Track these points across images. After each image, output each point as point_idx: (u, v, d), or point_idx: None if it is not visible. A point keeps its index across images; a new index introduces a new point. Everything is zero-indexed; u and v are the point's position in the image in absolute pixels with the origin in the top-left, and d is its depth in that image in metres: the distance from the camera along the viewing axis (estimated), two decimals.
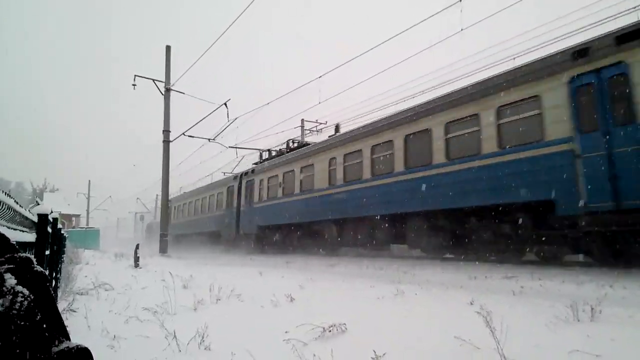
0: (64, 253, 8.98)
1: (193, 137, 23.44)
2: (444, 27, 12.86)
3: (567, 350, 3.01)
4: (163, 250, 21.13)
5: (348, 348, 3.53)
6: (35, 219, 3.49)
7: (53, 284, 4.96)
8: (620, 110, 7.70)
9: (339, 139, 15.43)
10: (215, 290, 6.22)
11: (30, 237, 3.25)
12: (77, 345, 0.88)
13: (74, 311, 5.21)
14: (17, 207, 2.42)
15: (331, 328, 3.93)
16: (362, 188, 13.63)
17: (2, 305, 0.70)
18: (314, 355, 3.30)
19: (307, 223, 16.78)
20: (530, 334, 3.48)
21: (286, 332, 4.02)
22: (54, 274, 4.61)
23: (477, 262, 9.92)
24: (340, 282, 7.70)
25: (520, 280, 6.81)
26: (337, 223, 15.31)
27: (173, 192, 31.12)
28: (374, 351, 3.14)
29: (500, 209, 9.58)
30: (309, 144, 19.03)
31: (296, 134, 28.81)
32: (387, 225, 12.80)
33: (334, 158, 15.20)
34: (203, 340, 3.82)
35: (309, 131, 28.78)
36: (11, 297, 0.71)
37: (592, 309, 3.86)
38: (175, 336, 3.83)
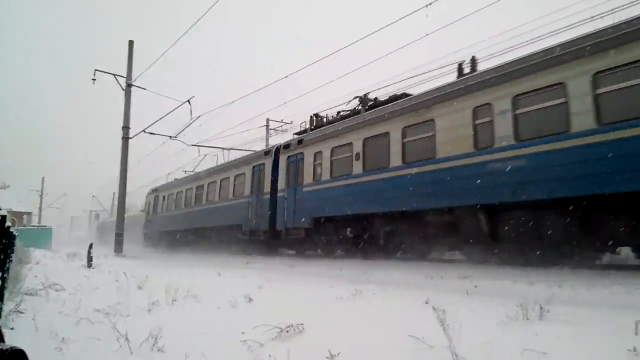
0: (12, 252, 8.55)
1: (154, 134, 22.78)
2: (413, 30, 13.07)
3: (517, 347, 3.12)
4: (118, 250, 20.56)
5: (304, 348, 3.53)
6: None
7: None
8: None
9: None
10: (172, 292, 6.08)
11: None
12: (12, 347, 0.83)
13: (22, 312, 4.94)
14: None
15: (288, 328, 3.92)
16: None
17: None
18: (270, 355, 3.28)
19: (418, 212, 10.96)
20: (482, 332, 3.57)
21: (243, 332, 3.97)
22: (1, 274, 4.38)
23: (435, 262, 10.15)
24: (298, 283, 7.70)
25: (475, 279, 7.02)
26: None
27: (130, 190, 29.93)
28: (328, 351, 3.16)
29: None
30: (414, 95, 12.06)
31: (261, 133, 28.72)
32: None
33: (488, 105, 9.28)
34: (156, 342, 3.72)
35: (274, 130, 28.76)
36: None
37: (540, 308, 4.00)
38: (127, 338, 3.72)
